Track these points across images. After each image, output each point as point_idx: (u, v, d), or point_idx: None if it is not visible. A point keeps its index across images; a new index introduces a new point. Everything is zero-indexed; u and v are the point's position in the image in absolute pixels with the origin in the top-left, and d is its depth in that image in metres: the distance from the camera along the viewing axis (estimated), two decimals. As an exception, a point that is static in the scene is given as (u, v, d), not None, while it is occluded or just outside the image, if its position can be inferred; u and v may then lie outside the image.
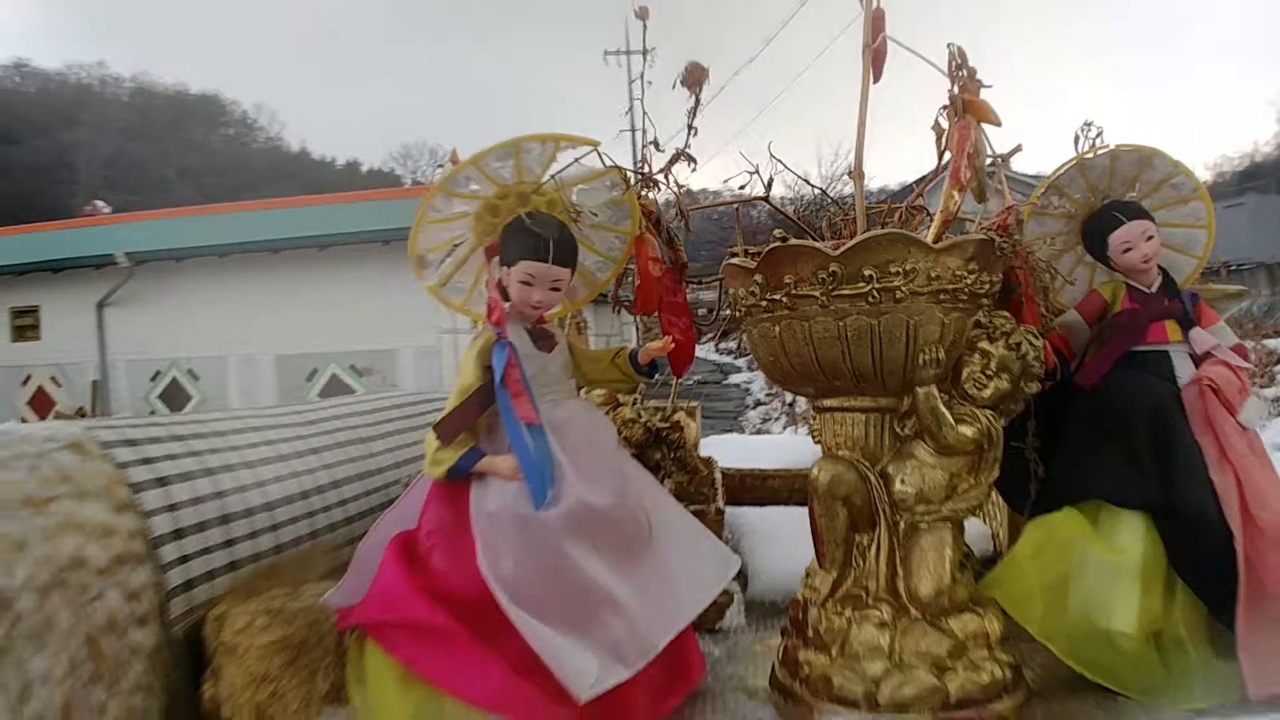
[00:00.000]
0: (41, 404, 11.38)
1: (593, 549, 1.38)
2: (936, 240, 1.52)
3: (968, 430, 1.55)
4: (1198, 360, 1.70)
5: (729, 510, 2.66)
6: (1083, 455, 1.66)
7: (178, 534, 1.50)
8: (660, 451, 2.35)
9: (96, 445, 1.45)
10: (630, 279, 1.67)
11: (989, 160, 1.73)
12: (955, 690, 1.45)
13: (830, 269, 1.49)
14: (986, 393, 1.57)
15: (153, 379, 11.14)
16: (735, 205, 1.68)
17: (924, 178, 2.05)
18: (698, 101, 1.44)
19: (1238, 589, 1.51)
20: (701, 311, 1.74)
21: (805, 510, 1.66)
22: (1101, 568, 1.55)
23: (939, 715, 1.44)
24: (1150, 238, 1.70)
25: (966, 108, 1.69)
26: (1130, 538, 1.57)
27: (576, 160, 1.45)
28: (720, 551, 1.61)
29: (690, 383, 15.19)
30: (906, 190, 2.13)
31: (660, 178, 1.53)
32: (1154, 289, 1.75)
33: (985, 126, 1.63)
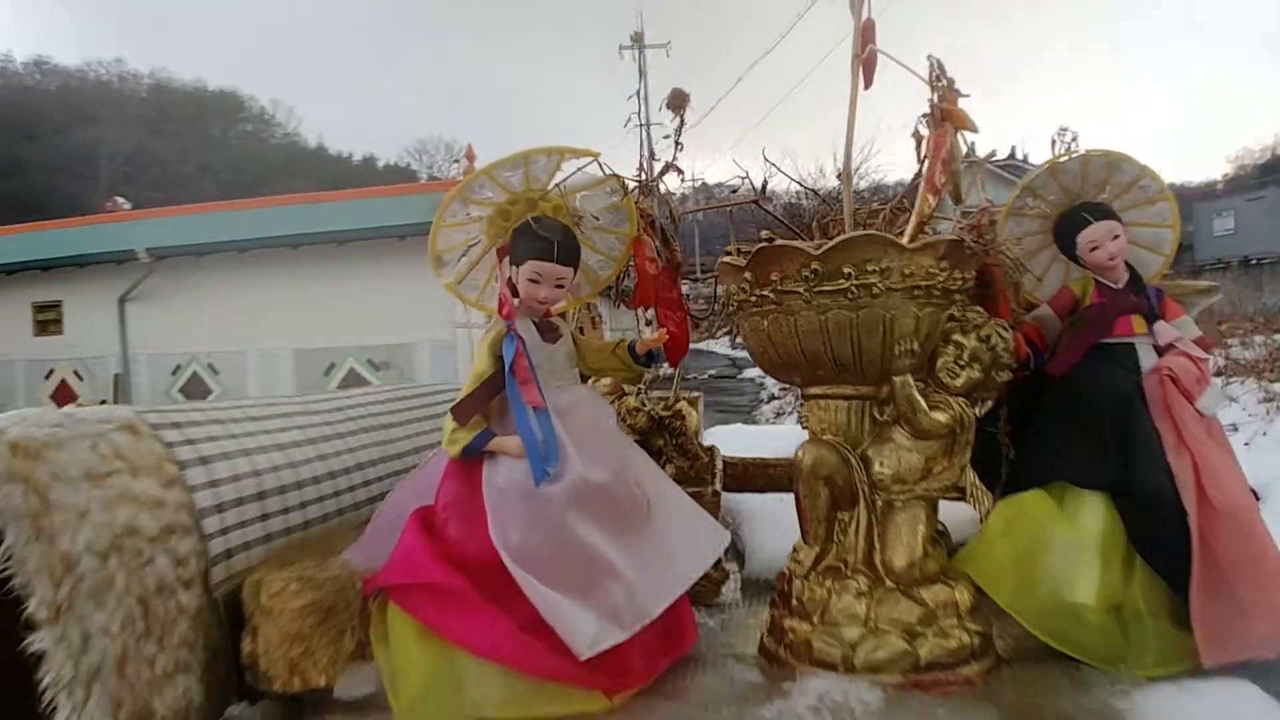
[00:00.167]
0: (64, 397, 11.64)
1: (593, 522, 1.53)
2: (912, 240, 1.65)
3: (941, 416, 1.67)
4: (1161, 352, 1.81)
5: (731, 496, 2.80)
6: (1051, 440, 1.78)
7: (219, 508, 1.65)
8: (663, 438, 2.49)
9: (147, 427, 1.61)
10: (631, 276, 1.81)
11: (964, 164, 1.85)
12: (925, 654, 1.58)
13: (812, 267, 1.62)
14: (959, 381, 1.69)
15: (173, 373, 11.37)
16: (728, 207, 1.81)
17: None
18: (682, 122, 1.57)
19: (1191, 564, 1.62)
20: (700, 304, 1.87)
21: (803, 496, 1.77)
22: (1065, 544, 1.67)
23: (909, 677, 1.57)
24: (1116, 237, 1.81)
25: (944, 116, 1.81)
26: (1092, 516, 1.68)
27: (580, 169, 1.59)
28: (713, 529, 1.75)
29: (705, 377, 15.34)
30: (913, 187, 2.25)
31: (659, 182, 1.66)
32: (1121, 285, 1.86)
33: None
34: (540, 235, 1.58)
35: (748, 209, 2.01)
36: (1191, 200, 31.41)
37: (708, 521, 1.75)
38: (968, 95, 1.85)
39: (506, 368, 1.52)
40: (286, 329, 10.79)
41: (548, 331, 1.65)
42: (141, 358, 11.59)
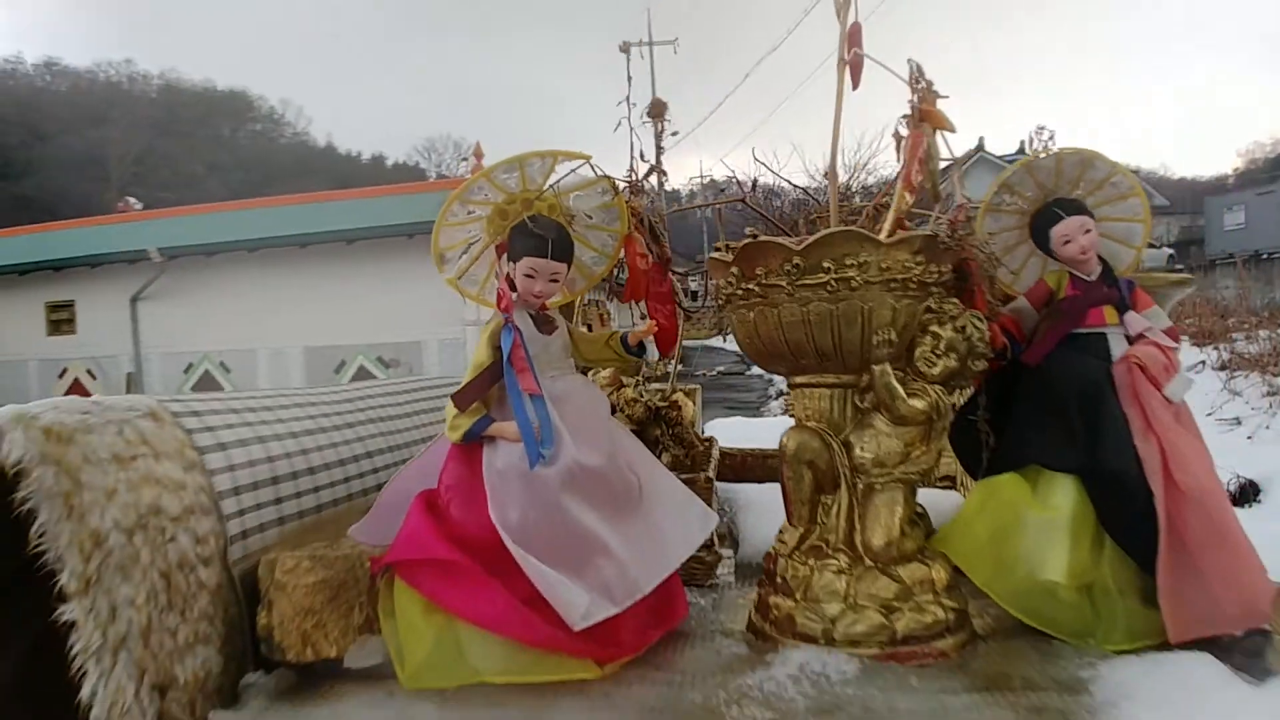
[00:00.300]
0: (78, 396, 11.75)
1: (587, 503, 1.62)
2: (889, 236, 1.73)
3: (919, 403, 1.76)
4: (1132, 341, 1.88)
5: (730, 485, 2.89)
6: (1025, 426, 1.86)
7: (236, 491, 1.76)
8: (660, 428, 2.58)
9: (169, 414, 1.71)
10: (624, 271, 1.90)
11: (945, 163, 1.94)
12: (901, 628, 1.67)
13: (794, 262, 1.71)
14: (936, 370, 1.77)
15: (185, 371, 11.52)
16: (716, 205, 1.90)
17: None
18: (662, 129, 1.67)
19: (1158, 544, 1.70)
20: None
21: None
22: (1037, 525, 1.75)
23: (886, 649, 1.66)
24: (1088, 231, 1.89)
25: (923, 116, 1.89)
26: (1062, 498, 1.76)
27: (572, 171, 1.69)
28: (703, 512, 1.84)
29: (713, 373, 15.44)
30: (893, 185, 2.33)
31: (644, 182, 1.75)
32: (1094, 277, 1.93)
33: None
34: (535, 233, 1.67)
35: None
36: (1202, 194, 31.28)
37: (698, 505, 1.84)
38: (946, 97, 1.93)
39: (504, 357, 1.62)
40: (297, 327, 10.92)
41: (544, 324, 1.75)
42: (154, 356, 11.75)
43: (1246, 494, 6.85)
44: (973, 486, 1.90)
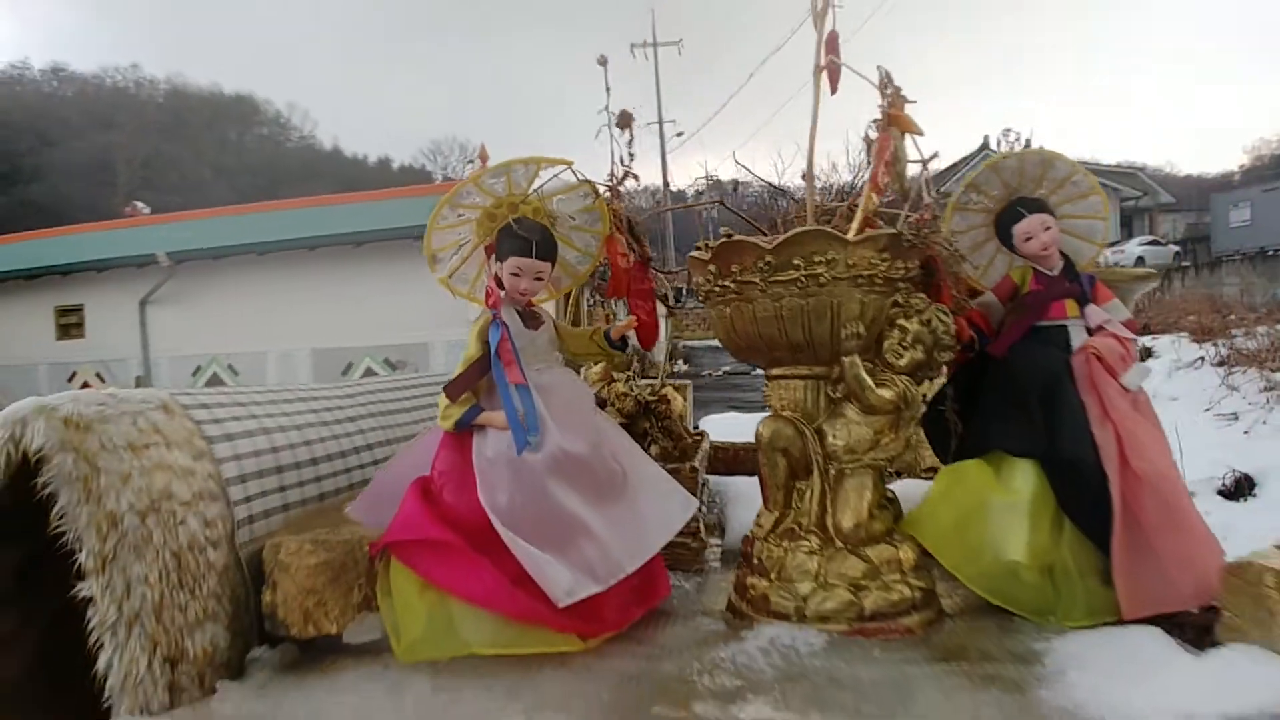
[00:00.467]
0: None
1: (571, 487, 1.72)
2: (856, 235, 1.83)
3: (887, 393, 1.85)
4: (1092, 333, 1.98)
5: (721, 478, 3.00)
6: (990, 414, 1.96)
7: (242, 478, 1.87)
8: (649, 421, 2.68)
9: (180, 406, 1.82)
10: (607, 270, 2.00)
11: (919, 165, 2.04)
12: (869, 605, 1.77)
13: (767, 260, 1.81)
14: (903, 361, 1.87)
15: (194, 374, 11.64)
16: (696, 207, 2.00)
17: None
18: (631, 138, 1.78)
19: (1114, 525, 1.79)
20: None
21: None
22: (999, 508, 1.85)
23: (854, 625, 1.75)
24: (1048, 228, 1.98)
25: (891, 121, 1.99)
26: (1023, 482, 1.86)
27: (555, 175, 1.80)
28: (684, 498, 1.94)
29: (719, 373, 15.53)
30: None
31: (620, 186, 1.86)
32: (1056, 272, 2.03)
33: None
34: (520, 235, 1.78)
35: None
36: (1208, 191, 31.21)
37: (679, 492, 1.94)
38: (914, 102, 2.03)
39: (492, 351, 1.73)
40: (304, 329, 11.03)
41: (530, 319, 1.85)
42: (163, 360, 11.88)
43: (1242, 488, 6.91)
44: (939, 472, 1.99)
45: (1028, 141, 28.06)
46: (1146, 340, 10.87)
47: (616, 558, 1.74)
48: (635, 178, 1.86)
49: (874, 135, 2.01)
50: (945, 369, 2.13)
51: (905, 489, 2.16)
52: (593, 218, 1.93)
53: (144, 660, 1.58)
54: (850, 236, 1.80)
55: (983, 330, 2.06)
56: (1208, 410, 8.56)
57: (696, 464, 2.37)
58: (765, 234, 2.07)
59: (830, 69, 2.08)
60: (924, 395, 2.14)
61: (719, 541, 2.63)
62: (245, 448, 1.90)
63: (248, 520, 1.85)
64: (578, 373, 2.58)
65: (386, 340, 10.70)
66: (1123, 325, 1.98)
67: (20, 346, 12.12)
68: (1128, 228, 29.51)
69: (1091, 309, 1.98)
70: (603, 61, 1.85)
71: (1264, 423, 8.19)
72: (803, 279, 1.79)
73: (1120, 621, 1.76)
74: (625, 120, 1.82)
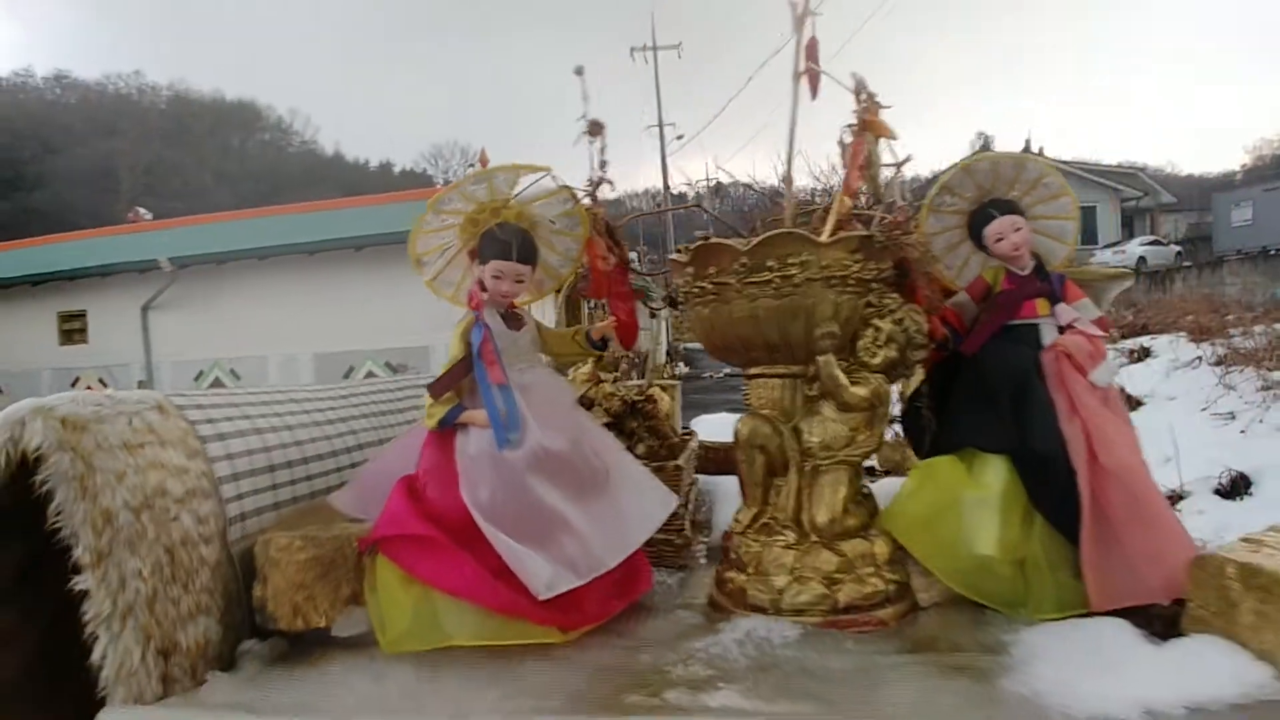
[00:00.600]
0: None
1: (552, 484, 1.78)
2: (830, 237, 1.88)
3: (861, 391, 1.90)
4: (1063, 331, 2.02)
5: (711, 478, 3.05)
6: (962, 411, 2.01)
7: (234, 477, 1.92)
8: (635, 420, 2.73)
9: (174, 407, 1.88)
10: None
11: (892, 168, 2.09)
12: (843, 598, 1.82)
13: (742, 261, 1.86)
14: (877, 360, 1.91)
15: (196, 379, 11.72)
16: (672, 211, 2.05)
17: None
18: (604, 146, 1.84)
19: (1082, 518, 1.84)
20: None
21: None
22: (970, 503, 1.89)
23: (828, 618, 1.80)
24: (1019, 229, 2.03)
25: (865, 126, 2.04)
26: (994, 477, 1.90)
27: (535, 181, 1.86)
28: (664, 494, 1.99)
29: (720, 375, 15.60)
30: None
31: (594, 193, 1.92)
32: (1027, 272, 2.07)
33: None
34: (501, 239, 1.84)
35: (703, 210, 2.24)
36: (1210, 191, 31.21)
37: (659, 489, 1.99)
38: (889, 107, 2.09)
39: (474, 352, 1.78)
40: (306, 333, 11.12)
41: (512, 320, 1.91)
42: (165, 364, 11.98)
43: (1237, 487, 6.94)
44: (913, 468, 2.04)
45: (1028, 145, 28.08)
46: (1145, 340, 10.91)
47: (597, 553, 1.79)
48: (610, 184, 1.91)
49: (848, 140, 2.07)
50: (920, 367, 2.18)
51: (892, 487, 2.20)
52: (573, 222, 1.99)
53: (138, 652, 1.63)
54: (823, 239, 1.85)
55: (957, 329, 2.11)
56: (1204, 410, 8.59)
57: (681, 463, 2.42)
58: (745, 236, 2.12)
59: (810, 75, 2.14)
60: (901, 393, 2.20)
61: (706, 539, 2.68)
62: (238, 447, 1.96)
63: (240, 517, 1.91)
64: (565, 374, 2.64)
65: (387, 344, 10.78)
66: (1093, 323, 2.02)
67: (24, 352, 12.22)
68: (1129, 228, 29.50)
69: (1062, 307, 2.03)
70: (579, 71, 1.91)
71: (1260, 421, 8.21)
72: (777, 280, 1.84)
73: (1090, 614, 1.80)
74: (595, 129, 1.89)
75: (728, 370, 15.97)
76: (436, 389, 1.79)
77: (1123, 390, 8.21)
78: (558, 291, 2.20)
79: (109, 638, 1.61)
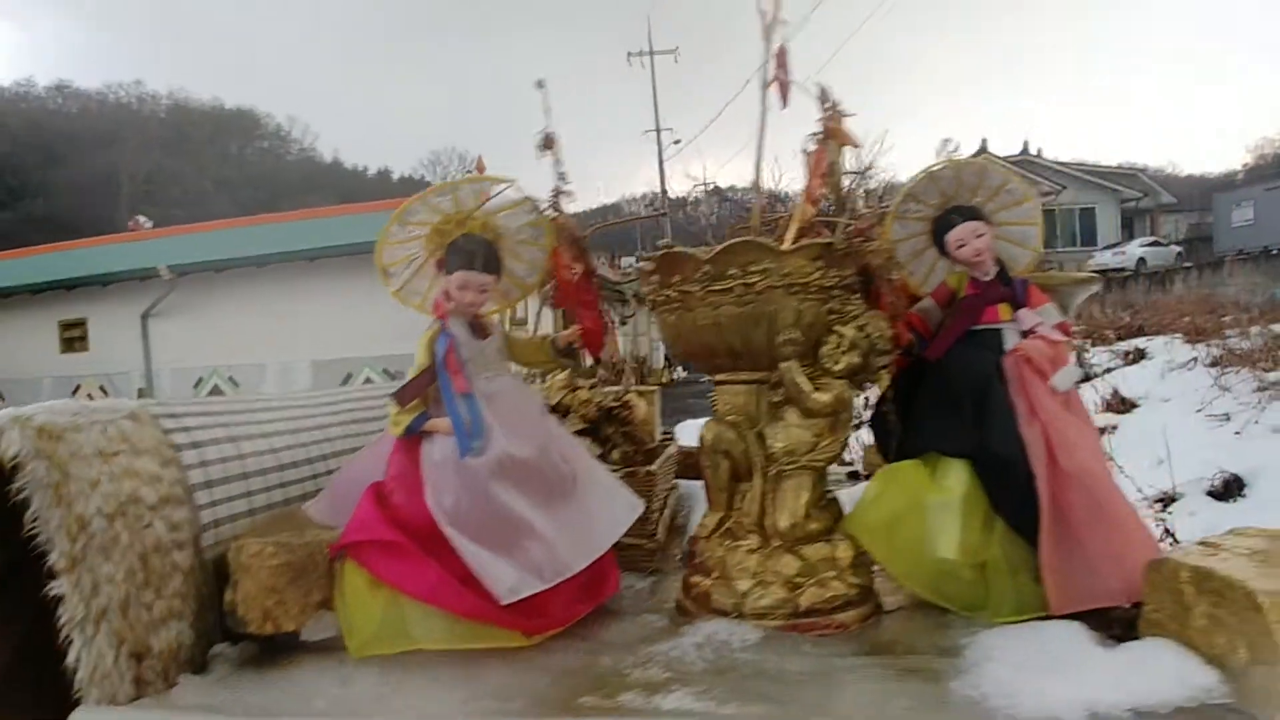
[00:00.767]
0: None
1: (517, 490, 1.81)
2: (793, 245, 1.91)
3: (824, 397, 1.93)
4: (1026, 336, 2.05)
5: (692, 483, 3.08)
6: (926, 415, 2.03)
7: (208, 484, 1.95)
8: (612, 426, 2.76)
9: (149, 415, 1.91)
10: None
11: (857, 176, 2.13)
12: (804, 602, 1.84)
13: (705, 269, 1.89)
14: (840, 366, 1.94)
15: (195, 386, 11.76)
16: (635, 221, 2.09)
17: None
18: (558, 160, 1.88)
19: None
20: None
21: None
22: (932, 506, 1.92)
23: (789, 621, 1.83)
24: (980, 235, 2.06)
25: (829, 134, 2.08)
26: (955, 481, 1.93)
27: (499, 193, 1.90)
28: (630, 500, 2.02)
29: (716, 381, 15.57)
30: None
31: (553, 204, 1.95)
32: (990, 277, 2.10)
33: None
34: (465, 249, 1.88)
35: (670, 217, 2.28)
36: (1211, 191, 31.15)
37: (626, 493, 2.03)
38: (853, 115, 2.12)
39: (439, 361, 1.82)
40: (304, 341, 11.16)
41: (478, 330, 1.95)
42: (164, 372, 12.02)
43: (1230, 489, 6.94)
44: (876, 472, 2.07)
45: (1026, 147, 28.01)
46: (1140, 342, 10.92)
47: (563, 557, 1.82)
48: (569, 195, 1.95)
49: (812, 148, 2.10)
50: (886, 373, 2.21)
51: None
52: (538, 232, 2.02)
53: (110, 655, 1.66)
54: (785, 247, 1.88)
55: (922, 334, 2.14)
56: (1199, 411, 8.58)
57: (653, 469, 2.45)
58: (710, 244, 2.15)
59: (780, 84, 2.18)
60: (866, 398, 2.23)
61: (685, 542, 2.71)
62: (212, 455, 1.99)
63: (213, 524, 1.94)
64: (540, 381, 2.68)
65: (385, 351, 10.80)
66: (1055, 328, 2.05)
67: (25, 360, 12.28)
68: (1129, 229, 29.48)
69: (1024, 313, 2.05)
70: (540, 85, 1.95)
71: (1256, 423, 8.19)
72: (739, 288, 1.87)
73: (1050, 617, 1.82)
74: (548, 143, 1.92)
75: (723, 376, 15.90)
76: (402, 397, 1.83)
77: (1116, 392, 8.23)
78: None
79: (83, 641, 1.64)
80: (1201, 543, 1.81)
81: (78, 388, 12.35)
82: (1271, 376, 9.21)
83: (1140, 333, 11.66)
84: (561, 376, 2.75)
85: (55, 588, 1.63)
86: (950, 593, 1.92)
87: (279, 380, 11.52)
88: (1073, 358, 2.10)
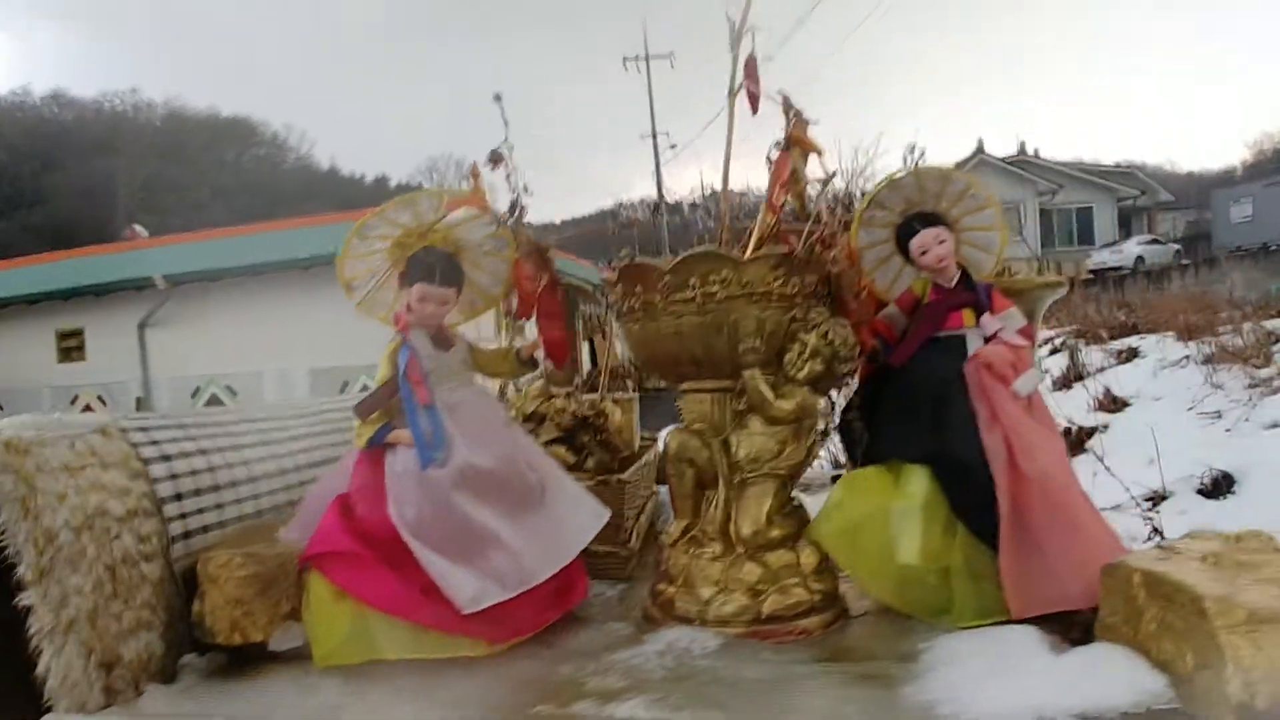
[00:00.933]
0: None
1: (480, 500, 1.83)
2: (753, 254, 1.93)
3: (787, 404, 1.95)
4: (988, 341, 2.07)
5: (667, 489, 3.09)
6: (887, 422, 2.05)
7: (178, 497, 1.98)
8: (587, 434, 2.78)
9: (117, 429, 1.94)
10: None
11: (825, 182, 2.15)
12: (766, 609, 1.86)
13: (665, 280, 1.91)
14: (803, 374, 1.96)
15: (193, 395, 11.76)
16: (592, 232, 2.11)
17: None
18: (508, 175, 1.91)
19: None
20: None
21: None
22: (893, 512, 1.92)
23: (751, 628, 1.84)
24: (942, 241, 2.07)
25: (792, 142, 2.10)
26: (916, 486, 1.94)
27: (473, 211, 1.93)
28: (595, 508, 2.05)
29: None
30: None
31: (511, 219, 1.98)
32: (954, 283, 2.12)
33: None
34: (423, 262, 1.91)
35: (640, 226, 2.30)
36: (1209, 188, 31.12)
37: (591, 501, 2.05)
38: (816, 122, 2.15)
39: (400, 373, 1.84)
40: (302, 349, 11.16)
41: (441, 341, 1.97)
42: (162, 381, 12.03)
43: (1220, 487, 6.94)
44: (839, 479, 2.09)
45: (1023, 147, 28.00)
46: (1134, 340, 10.92)
47: (529, 566, 1.84)
48: (523, 209, 1.98)
49: (775, 156, 2.12)
50: (856, 378, 2.23)
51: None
52: (500, 243, 2.05)
53: (80, 664, 1.68)
54: (746, 256, 1.90)
55: (888, 341, 2.16)
56: (1191, 409, 8.59)
57: (625, 476, 2.47)
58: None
59: (749, 93, 2.20)
60: (834, 405, 2.24)
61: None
62: (182, 468, 2.01)
63: (183, 536, 1.96)
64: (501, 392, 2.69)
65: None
66: (1017, 333, 2.06)
67: (23, 370, 12.30)
68: (1126, 227, 29.46)
69: (986, 318, 2.06)
70: (497, 98, 1.97)
71: (1247, 420, 8.19)
72: (699, 297, 1.89)
73: (1008, 621, 1.82)
74: (496, 158, 1.95)
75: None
76: (362, 410, 1.85)
77: (1108, 391, 8.24)
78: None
79: (52, 650, 1.66)
80: (1159, 546, 1.82)
81: (76, 398, 12.36)
82: (1263, 373, 9.21)
83: (1134, 331, 11.67)
84: (537, 386, 2.77)
85: (24, 599, 1.66)
86: (914, 598, 1.93)
87: (277, 388, 11.53)
88: (1036, 362, 2.11)
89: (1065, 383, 8.89)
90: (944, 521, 1.94)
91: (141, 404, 11.77)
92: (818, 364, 1.95)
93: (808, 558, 1.94)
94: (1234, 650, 1.36)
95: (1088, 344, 10.96)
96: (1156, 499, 6.20)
